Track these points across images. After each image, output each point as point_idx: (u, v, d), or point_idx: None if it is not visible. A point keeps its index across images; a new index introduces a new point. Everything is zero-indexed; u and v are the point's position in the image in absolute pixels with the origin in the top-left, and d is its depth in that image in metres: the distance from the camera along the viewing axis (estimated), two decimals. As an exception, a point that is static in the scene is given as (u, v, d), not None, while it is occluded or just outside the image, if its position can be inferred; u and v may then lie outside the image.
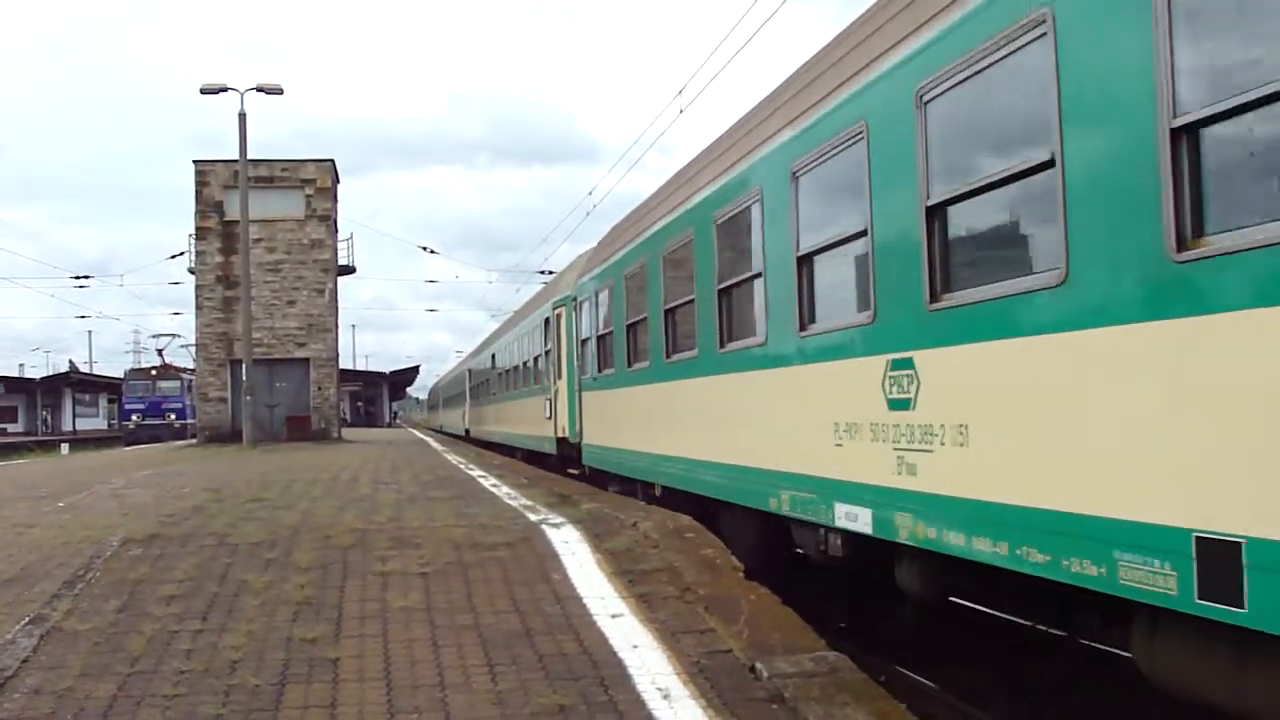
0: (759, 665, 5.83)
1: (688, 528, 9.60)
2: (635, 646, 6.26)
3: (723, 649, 6.20)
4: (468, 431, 41.37)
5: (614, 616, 6.89)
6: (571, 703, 5.36)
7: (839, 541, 7.41)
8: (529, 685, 5.64)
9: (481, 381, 35.57)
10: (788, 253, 7.89)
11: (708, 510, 10.49)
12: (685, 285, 10.61)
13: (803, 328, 7.74)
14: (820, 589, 9.11)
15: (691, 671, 5.81)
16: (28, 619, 6.92)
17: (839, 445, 7.07)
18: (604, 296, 14.70)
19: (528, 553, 8.78)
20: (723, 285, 9.48)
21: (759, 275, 8.60)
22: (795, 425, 7.89)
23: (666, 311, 11.34)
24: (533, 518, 10.71)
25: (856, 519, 6.79)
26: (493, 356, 31.12)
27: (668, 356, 11.31)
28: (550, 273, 39.82)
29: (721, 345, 9.54)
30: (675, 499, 11.46)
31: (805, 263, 7.73)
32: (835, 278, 7.50)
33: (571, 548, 8.96)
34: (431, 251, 74.41)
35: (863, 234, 6.75)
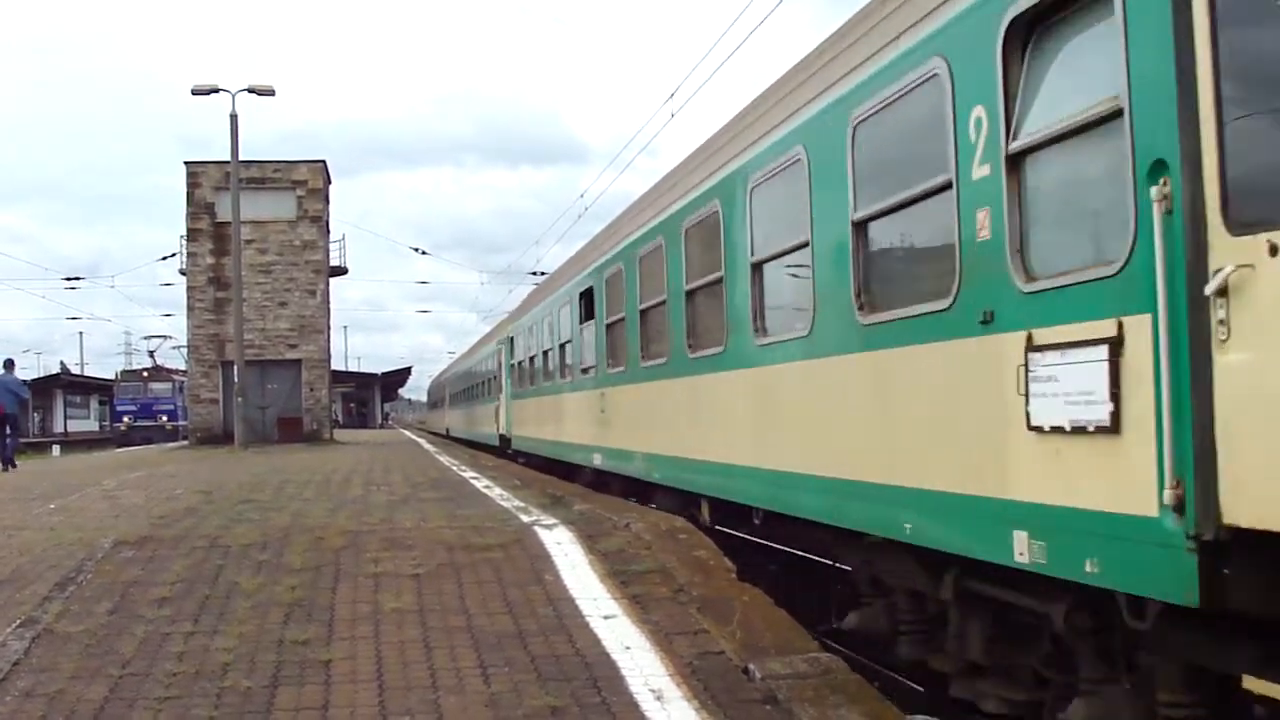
0: (752, 666, 5.84)
1: (680, 529, 9.60)
2: (628, 648, 6.26)
3: (715, 650, 6.20)
4: (507, 440, 25.73)
5: (607, 618, 6.89)
6: (564, 704, 5.37)
7: None
8: (522, 687, 5.64)
9: (550, 350, 18.92)
10: None
11: None
12: None
13: None
14: (812, 590, 9.10)
15: (684, 673, 5.81)
16: (19, 621, 6.90)
17: None
18: None
19: (520, 554, 8.77)
20: None
21: None
22: None
23: None
24: (525, 519, 10.70)
25: None
26: (604, 282, 14.00)
27: None
28: (543, 274, 38.70)
29: None
30: None
31: None
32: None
33: (564, 549, 8.95)
34: (423, 252, 74.28)
35: None
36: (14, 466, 22.85)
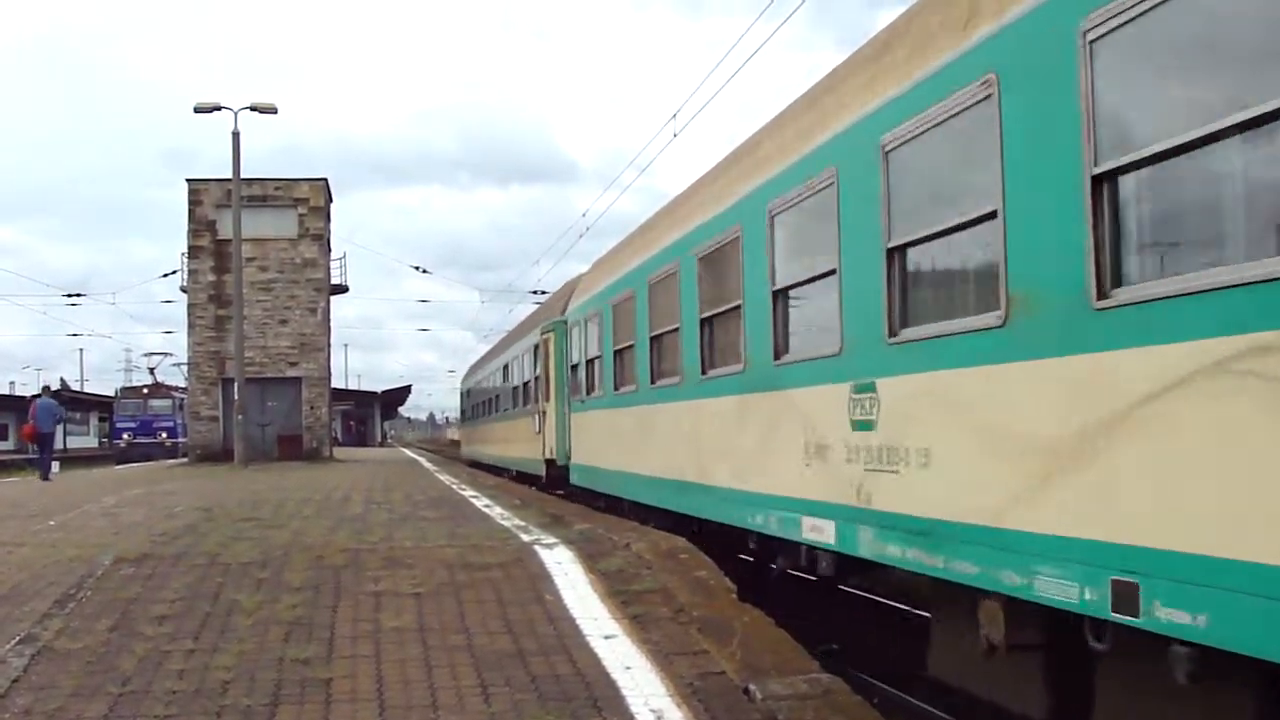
0: (752, 687, 5.83)
1: (681, 549, 9.60)
2: (628, 668, 6.25)
3: (716, 670, 6.19)
4: None
5: (607, 638, 6.89)
6: (565, 724, 5.36)
7: None
8: (522, 706, 5.63)
9: None
10: None
11: None
12: None
13: None
14: (812, 610, 9.10)
15: (685, 693, 5.80)
16: (18, 638, 6.89)
17: None
18: None
19: (521, 573, 8.77)
20: None
21: None
22: None
23: None
24: (525, 538, 10.70)
25: None
26: None
27: None
28: (543, 293, 38.47)
29: None
30: None
31: None
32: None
33: (564, 568, 8.95)
34: (424, 271, 73.96)
35: None
36: (48, 480, 25.90)
